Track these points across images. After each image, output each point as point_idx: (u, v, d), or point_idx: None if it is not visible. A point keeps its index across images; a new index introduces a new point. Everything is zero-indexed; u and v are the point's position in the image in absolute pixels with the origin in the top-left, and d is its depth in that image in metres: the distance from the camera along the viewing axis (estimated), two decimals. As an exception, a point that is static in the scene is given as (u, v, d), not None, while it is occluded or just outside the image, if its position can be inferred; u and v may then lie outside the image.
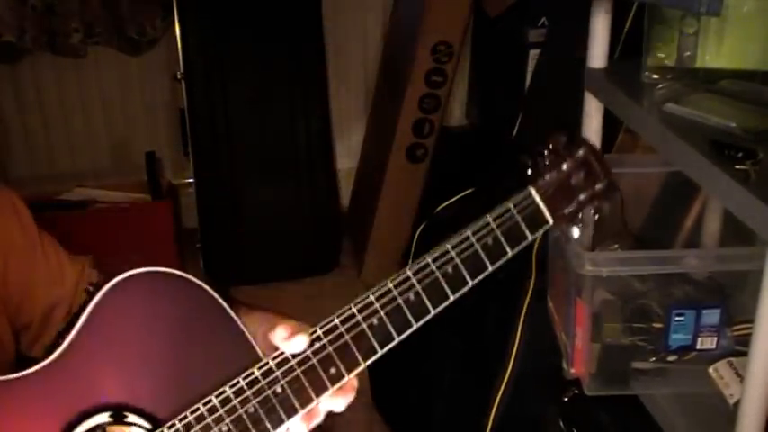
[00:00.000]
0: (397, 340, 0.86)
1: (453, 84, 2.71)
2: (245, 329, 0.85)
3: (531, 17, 2.49)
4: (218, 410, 0.79)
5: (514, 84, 2.53)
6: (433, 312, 0.87)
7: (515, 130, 2.22)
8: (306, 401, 0.81)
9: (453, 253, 0.90)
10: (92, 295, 0.83)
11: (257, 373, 0.81)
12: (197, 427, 0.79)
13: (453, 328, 1.93)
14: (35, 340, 1.04)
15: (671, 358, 1.44)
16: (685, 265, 1.37)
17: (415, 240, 2.32)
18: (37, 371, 0.81)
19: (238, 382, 0.80)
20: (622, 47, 1.75)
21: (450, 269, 0.88)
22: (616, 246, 1.56)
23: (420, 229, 2.31)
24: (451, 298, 0.89)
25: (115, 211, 2.72)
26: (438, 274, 0.88)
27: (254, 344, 0.85)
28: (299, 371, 0.81)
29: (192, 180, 2.84)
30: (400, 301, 0.86)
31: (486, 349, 1.84)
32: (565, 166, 1.01)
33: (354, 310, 0.85)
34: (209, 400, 0.80)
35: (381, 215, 2.78)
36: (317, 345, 0.83)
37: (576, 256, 1.37)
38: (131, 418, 0.81)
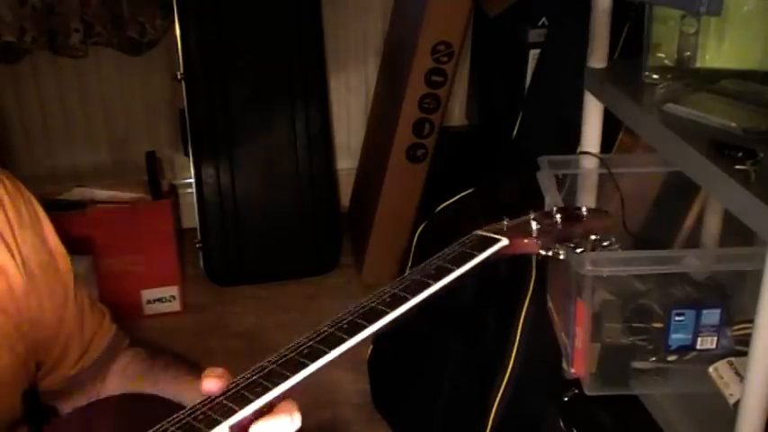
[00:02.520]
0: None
1: (453, 84, 2.70)
2: None
3: (531, 17, 2.48)
4: None
5: (514, 84, 2.53)
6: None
7: (515, 130, 2.22)
8: (228, 413, 0.75)
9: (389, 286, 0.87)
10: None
11: (182, 415, 0.76)
12: None
13: (453, 329, 1.93)
14: (46, 375, 1.06)
15: (671, 358, 1.44)
16: (685, 265, 1.37)
17: (415, 240, 2.32)
18: None
19: (162, 426, 0.75)
20: (622, 47, 1.75)
21: (387, 298, 0.85)
22: (617, 246, 1.55)
23: (420, 229, 2.31)
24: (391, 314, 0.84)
25: (115, 211, 2.72)
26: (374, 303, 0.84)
27: None
28: (221, 398, 0.76)
29: (192, 180, 2.84)
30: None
31: (486, 349, 1.84)
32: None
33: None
34: None
35: (381, 215, 2.78)
36: (240, 380, 0.78)
37: (577, 255, 1.37)
38: None
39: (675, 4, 1.39)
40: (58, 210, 2.66)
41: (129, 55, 2.83)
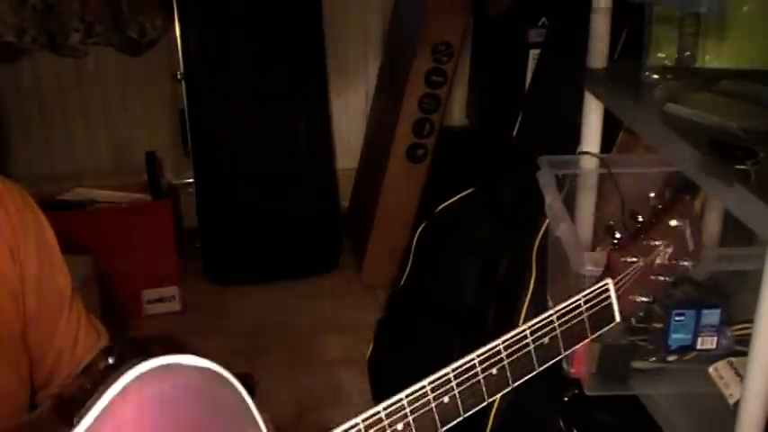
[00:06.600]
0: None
1: (453, 84, 2.70)
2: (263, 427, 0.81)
3: (531, 17, 2.49)
4: None
5: (514, 84, 2.53)
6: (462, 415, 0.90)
7: (515, 130, 2.22)
8: None
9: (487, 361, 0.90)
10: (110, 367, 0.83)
11: None
12: None
13: (453, 328, 1.93)
14: (39, 389, 1.04)
15: (671, 358, 1.43)
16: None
17: (415, 240, 2.32)
18: None
19: None
20: (622, 47, 1.75)
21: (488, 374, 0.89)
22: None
23: (420, 229, 2.31)
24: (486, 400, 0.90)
25: (115, 211, 2.72)
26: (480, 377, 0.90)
27: None
28: None
29: (192, 180, 2.84)
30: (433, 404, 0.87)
31: (486, 349, 1.84)
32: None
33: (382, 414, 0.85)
34: None
35: (381, 215, 2.78)
36: None
37: (576, 256, 1.37)
38: None
39: (675, 3, 1.39)
40: (57, 210, 2.67)
41: (129, 55, 2.83)
